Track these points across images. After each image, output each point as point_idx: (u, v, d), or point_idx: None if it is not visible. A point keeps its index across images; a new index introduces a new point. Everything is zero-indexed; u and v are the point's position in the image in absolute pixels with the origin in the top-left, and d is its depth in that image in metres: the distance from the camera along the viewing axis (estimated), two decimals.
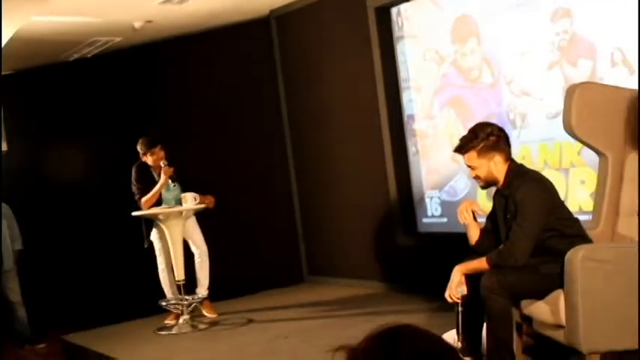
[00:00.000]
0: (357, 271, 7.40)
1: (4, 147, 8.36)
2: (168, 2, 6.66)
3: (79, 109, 8.11)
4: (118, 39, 7.71)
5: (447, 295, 3.94)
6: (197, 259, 6.66)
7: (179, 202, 6.44)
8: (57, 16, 6.51)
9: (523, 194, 3.80)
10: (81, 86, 8.07)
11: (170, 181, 6.44)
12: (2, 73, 8.21)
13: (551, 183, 3.94)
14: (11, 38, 5.81)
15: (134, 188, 6.57)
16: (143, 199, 6.47)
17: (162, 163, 6.44)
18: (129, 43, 7.86)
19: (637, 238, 3.94)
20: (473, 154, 3.93)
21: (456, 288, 3.88)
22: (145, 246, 6.66)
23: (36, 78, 8.29)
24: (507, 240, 3.83)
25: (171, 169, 6.43)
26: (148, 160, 6.55)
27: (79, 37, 7.48)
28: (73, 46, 7.78)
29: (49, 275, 7.84)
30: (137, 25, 7.25)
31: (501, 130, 3.95)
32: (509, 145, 3.95)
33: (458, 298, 3.89)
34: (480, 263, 3.88)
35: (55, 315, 7.54)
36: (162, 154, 6.53)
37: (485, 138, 3.90)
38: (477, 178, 4.00)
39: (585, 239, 3.84)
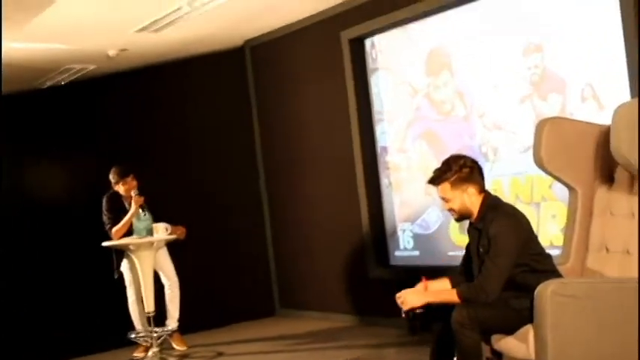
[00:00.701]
0: (330, 304, 7.35)
1: None
2: (143, 30, 6.64)
3: (52, 136, 8.02)
4: (91, 67, 7.67)
5: (401, 302, 3.88)
6: (167, 291, 6.60)
7: (150, 232, 6.39)
8: (30, 43, 6.47)
9: (497, 229, 3.77)
10: (54, 114, 7.99)
11: (141, 210, 6.40)
12: None
13: (525, 218, 3.92)
14: None
15: (105, 218, 6.53)
16: (114, 229, 6.42)
17: (132, 193, 6.40)
18: (103, 71, 7.82)
19: (607, 273, 3.94)
20: (446, 185, 3.90)
21: (409, 305, 3.85)
22: (115, 277, 6.58)
23: (8, 104, 8.21)
24: (480, 274, 3.81)
25: (142, 199, 6.39)
26: (120, 189, 6.51)
27: (53, 64, 7.43)
28: (46, 73, 7.72)
29: (16, 304, 7.69)
30: (111, 53, 7.22)
31: (474, 161, 3.93)
32: (482, 177, 3.93)
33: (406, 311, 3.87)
34: (451, 295, 3.84)
35: (24, 345, 7.40)
36: (134, 183, 6.49)
37: (459, 170, 3.87)
38: (450, 210, 3.97)
39: (556, 274, 3.82)
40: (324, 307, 7.41)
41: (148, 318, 6.35)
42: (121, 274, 6.60)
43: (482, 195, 3.89)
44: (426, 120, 6.39)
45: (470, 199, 3.87)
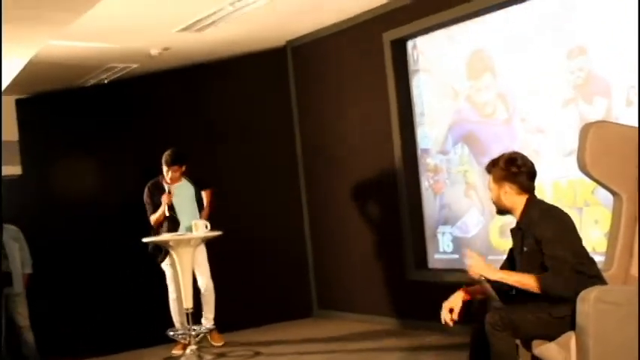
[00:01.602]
0: (368, 306, 7.33)
1: (19, 171, 8.39)
2: (186, 30, 6.69)
3: (95, 133, 8.12)
4: (134, 65, 7.75)
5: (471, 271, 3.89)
6: (203, 292, 6.65)
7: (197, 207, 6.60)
8: (75, 41, 6.55)
9: (543, 229, 3.75)
10: (97, 111, 8.09)
11: (167, 208, 6.48)
12: (20, 96, 8.27)
13: (570, 219, 3.90)
14: (29, 62, 5.84)
15: (146, 206, 6.65)
16: (152, 219, 6.56)
17: (167, 189, 6.49)
18: (145, 69, 7.89)
19: None
20: (490, 177, 3.98)
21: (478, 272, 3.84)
22: (159, 261, 6.63)
23: (53, 102, 8.33)
24: (548, 272, 3.72)
25: (170, 197, 6.48)
26: (167, 175, 6.58)
27: (97, 62, 7.52)
28: (90, 71, 7.82)
29: (58, 300, 7.80)
30: (154, 52, 7.29)
31: (527, 165, 3.93)
32: (529, 180, 3.92)
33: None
34: (528, 279, 3.75)
35: (63, 341, 7.49)
36: (177, 174, 6.56)
37: (504, 167, 3.91)
38: (492, 200, 4.02)
39: (601, 280, 3.77)
40: (362, 309, 7.39)
41: (187, 314, 6.38)
42: (162, 271, 6.66)
43: (523, 196, 3.88)
44: (467, 123, 6.34)
45: (506, 196, 3.92)
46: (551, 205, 3.97)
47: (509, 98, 5.96)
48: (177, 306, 6.61)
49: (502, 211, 4.00)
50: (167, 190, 6.54)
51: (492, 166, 3.96)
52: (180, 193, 6.62)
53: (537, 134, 5.76)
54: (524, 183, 3.90)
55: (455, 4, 6.11)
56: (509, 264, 4.02)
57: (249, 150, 7.94)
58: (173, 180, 6.58)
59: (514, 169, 3.90)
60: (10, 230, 7.37)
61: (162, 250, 6.61)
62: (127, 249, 7.17)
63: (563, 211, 3.93)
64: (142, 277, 7.05)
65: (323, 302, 7.96)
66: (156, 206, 6.59)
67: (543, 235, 3.73)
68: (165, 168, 6.58)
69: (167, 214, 6.53)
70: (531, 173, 3.93)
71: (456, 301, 3.96)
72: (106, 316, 7.69)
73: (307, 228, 8.03)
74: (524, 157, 3.96)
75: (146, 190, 6.70)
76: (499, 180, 3.92)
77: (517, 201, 3.91)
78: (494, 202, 3.99)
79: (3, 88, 6.55)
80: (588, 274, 3.72)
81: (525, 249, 3.83)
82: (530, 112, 5.79)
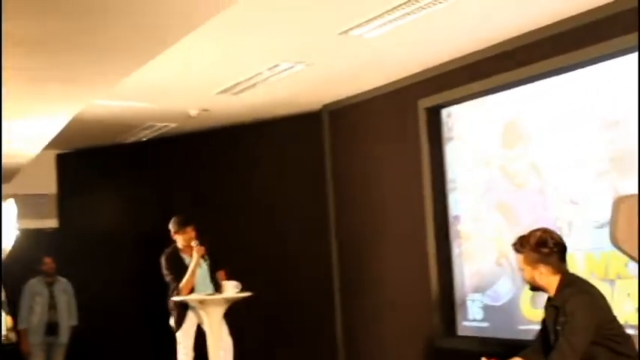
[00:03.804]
0: None
1: (56, 224, 8.53)
2: (224, 92, 6.84)
3: (132, 189, 8.25)
4: (173, 124, 7.91)
5: None
6: (221, 352, 6.53)
7: (211, 282, 6.52)
8: (117, 100, 6.72)
9: (572, 306, 3.73)
10: (134, 167, 8.24)
11: (202, 260, 6.52)
12: (61, 151, 8.45)
13: (602, 295, 3.87)
14: (72, 119, 6.01)
15: (167, 278, 6.64)
16: (181, 284, 6.51)
17: (193, 243, 6.53)
18: (183, 128, 8.04)
19: None
20: (521, 257, 3.95)
21: None
22: (177, 332, 6.63)
23: (92, 157, 8.49)
24: (554, 351, 3.74)
25: (203, 249, 6.51)
26: (179, 240, 6.64)
27: (137, 121, 7.69)
28: (130, 129, 8.00)
29: (91, 349, 7.82)
30: (193, 112, 7.44)
31: (558, 243, 3.91)
32: (562, 259, 3.90)
33: None
34: None
35: None
36: (193, 234, 6.63)
37: (535, 248, 3.88)
38: (524, 279, 4.01)
39: (635, 358, 3.74)
40: None
41: None
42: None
43: (557, 275, 3.87)
44: (500, 191, 6.37)
45: (540, 277, 3.89)
46: (584, 283, 3.94)
47: (543, 168, 5.99)
48: None
49: (534, 288, 3.99)
50: (194, 244, 6.54)
51: (522, 247, 3.92)
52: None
53: (571, 205, 5.76)
54: (557, 263, 3.89)
55: (490, 74, 6.19)
56: (542, 337, 4.01)
57: (281, 212, 7.99)
58: (188, 241, 6.59)
59: (546, 251, 3.88)
60: (62, 282, 7.55)
61: (185, 315, 6.60)
62: (159, 307, 7.21)
63: (591, 285, 3.91)
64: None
65: None
66: (178, 273, 6.56)
67: (568, 315, 3.72)
68: (178, 233, 6.61)
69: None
70: (563, 252, 3.92)
71: None
72: None
73: (337, 292, 7.97)
74: (553, 235, 3.94)
75: (164, 259, 6.67)
76: (532, 262, 3.89)
77: (552, 281, 3.88)
78: (528, 282, 3.96)
79: (46, 144, 6.71)
80: (620, 350, 3.69)
81: (558, 328, 3.81)
82: (564, 182, 5.81)
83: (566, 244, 3.96)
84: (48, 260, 7.56)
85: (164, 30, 4.02)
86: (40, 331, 7.42)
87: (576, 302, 3.73)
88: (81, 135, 7.79)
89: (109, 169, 8.35)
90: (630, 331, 4.13)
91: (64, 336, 7.42)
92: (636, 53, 5.19)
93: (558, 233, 3.98)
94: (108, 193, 8.23)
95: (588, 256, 5.58)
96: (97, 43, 4.06)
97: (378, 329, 7.50)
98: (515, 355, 4.04)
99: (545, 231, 3.98)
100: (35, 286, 7.61)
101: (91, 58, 4.29)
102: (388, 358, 7.38)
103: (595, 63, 5.48)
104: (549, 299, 3.94)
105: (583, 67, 5.58)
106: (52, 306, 7.46)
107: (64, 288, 7.55)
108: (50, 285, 7.55)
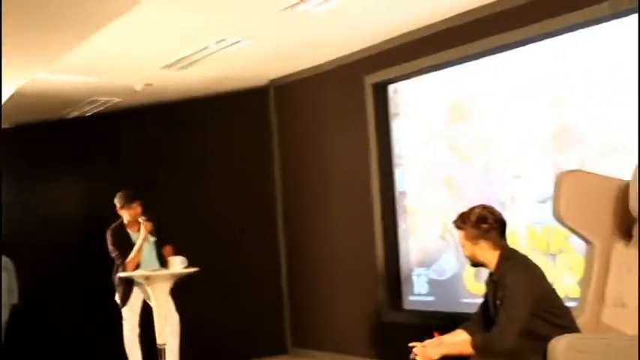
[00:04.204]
0: (343, 346, 7.35)
1: None
2: (170, 67, 6.77)
3: (75, 165, 8.13)
4: (118, 99, 7.81)
5: (418, 353, 3.94)
6: (167, 328, 6.45)
7: (157, 257, 6.48)
8: (60, 74, 6.60)
9: (510, 280, 3.80)
10: (76, 143, 8.11)
11: (150, 235, 6.47)
12: (4, 127, 8.29)
13: (540, 269, 3.94)
14: (14, 93, 5.89)
15: (113, 254, 6.58)
16: (127, 260, 6.46)
17: (140, 219, 6.47)
18: (128, 103, 7.95)
19: (622, 330, 3.94)
20: (462, 233, 4.00)
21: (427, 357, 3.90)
22: (122, 308, 6.59)
23: (35, 133, 8.34)
24: (494, 326, 3.83)
25: (150, 224, 6.46)
26: (125, 215, 6.58)
27: (80, 95, 7.57)
28: (73, 103, 7.87)
29: (38, 331, 7.71)
30: (138, 87, 7.35)
31: (498, 220, 3.96)
32: (502, 235, 3.96)
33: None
34: (465, 346, 3.86)
35: None
36: (139, 209, 6.56)
37: (475, 224, 3.93)
38: (465, 255, 4.06)
39: (574, 330, 3.82)
40: (337, 348, 7.40)
41: (160, 350, 6.32)
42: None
43: (497, 251, 3.93)
44: (446, 166, 6.44)
45: (481, 252, 3.94)
46: (523, 257, 4.01)
47: (488, 144, 6.06)
48: (135, 339, 6.56)
49: (475, 264, 4.06)
50: (142, 219, 6.48)
51: (463, 223, 3.97)
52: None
53: (514, 180, 5.85)
54: (496, 239, 3.96)
55: (438, 50, 6.23)
56: (483, 310, 4.08)
57: (228, 187, 7.98)
58: (134, 217, 6.54)
59: (486, 227, 3.92)
60: (1, 261, 7.42)
61: (131, 290, 6.57)
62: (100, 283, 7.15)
63: (532, 263, 3.98)
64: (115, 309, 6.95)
65: (297, 340, 7.96)
66: (123, 249, 6.50)
67: (506, 289, 3.80)
68: (124, 208, 6.56)
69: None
70: (502, 227, 3.98)
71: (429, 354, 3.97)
72: (70, 346, 7.60)
73: (284, 266, 8.05)
74: (493, 212, 3.98)
75: (109, 234, 6.59)
76: (472, 238, 3.94)
77: (491, 256, 3.93)
78: (469, 258, 4.01)
79: None
80: (559, 323, 3.78)
81: (498, 302, 3.88)
82: (508, 158, 5.90)
83: (509, 219, 4.02)
84: None
85: (108, 3, 3.96)
86: None
87: (514, 276, 3.80)
88: (23, 110, 7.64)
89: (53, 145, 8.20)
90: (571, 304, 4.22)
91: (3, 314, 7.30)
92: (580, 30, 5.29)
93: (499, 209, 4.03)
94: (52, 168, 8.10)
95: (531, 231, 5.69)
96: (39, 16, 3.98)
97: (325, 304, 7.55)
98: (457, 327, 4.12)
99: (484, 207, 4.03)
100: None
101: (33, 31, 4.21)
102: (335, 333, 7.45)
103: (540, 40, 5.56)
104: (490, 274, 4.01)
105: (529, 43, 5.66)
106: None
107: (4, 266, 7.42)
108: None
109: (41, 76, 6.16)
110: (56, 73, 6.42)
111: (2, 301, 7.23)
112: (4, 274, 7.32)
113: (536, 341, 3.75)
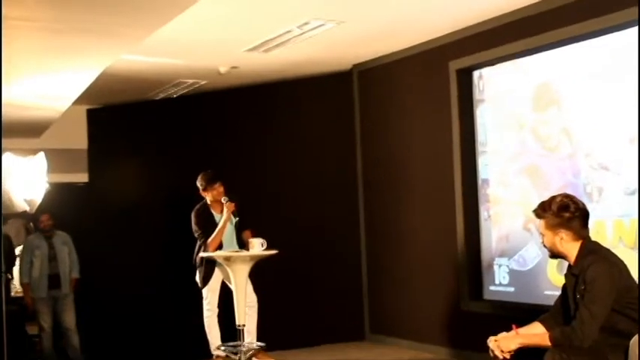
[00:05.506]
0: (420, 334, 7.29)
1: (86, 178, 8.59)
2: (254, 50, 6.80)
3: (162, 146, 8.25)
4: (203, 82, 7.89)
5: (493, 346, 3.87)
6: (247, 309, 6.48)
7: (237, 239, 6.55)
8: (147, 56, 6.70)
9: (593, 275, 3.70)
10: (164, 124, 8.24)
11: (232, 216, 6.52)
12: (92, 107, 8.49)
13: (624, 264, 3.82)
14: (101, 74, 6.00)
15: (196, 234, 6.67)
16: (209, 240, 6.54)
17: (223, 200, 6.54)
18: (213, 86, 8.03)
19: None
20: (542, 222, 3.92)
21: (505, 351, 3.83)
22: (202, 288, 6.68)
23: (122, 113, 8.52)
24: (574, 320, 3.72)
25: (233, 205, 6.51)
26: (207, 195, 6.66)
27: (167, 77, 7.68)
28: (160, 85, 7.99)
29: (105, 306, 7.88)
30: (223, 69, 7.42)
31: (580, 209, 3.85)
32: (584, 225, 3.85)
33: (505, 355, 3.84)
34: (542, 339, 3.78)
35: (108, 346, 7.62)
36: (221, 189, 6.63)
37: (557, 213, 3.83)
38: (543, 245, 3.96)
39: None
40: (415, 336, 7.35)
41: (239, 330, 6.38)
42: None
43: (578, 242, 3.82)
44: (530, 155, 6.29)
45: (562, 243, 3.85)
46: (605, 251, 3.88)
47: (574, 133, 5.89)
48: (215, 320, 6.64)
49: (554, 255, 3.95)
50: (224, 200, 6.54)
51: (543, 212, 3.88)
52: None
53: (601, 171, 5.67)
54: (578, 229, 3.83)
55: (523, 36, 6.08)
56: (561, 303, 3.97)
57: (310, 171, 7.99)
58: (217, 197, 6.60)
59: (568, 215, 3.82)
60: (61, 235, 7.66)
61: (212, 271, 6.64)
62: (177, 262, 7.26)
63: (612, 253, 3.85)
64: (190, 288, 7.03)
65: (376, 327, 7.94)
66: (207, 229, 6.59)
67: (588, 284, 3.68)
68: (206, 190, 6.63)
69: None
70: (585, 217, 3.86)
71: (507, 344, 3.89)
72: (152, 324, 7.74)
73: (363, 252, 8.03)
74: (575, 201, 3.88)
75: (194, 215, 6.69)
76: (553, 227, 3.84)
77: (572, 247, 3.84)
78: (549, 248, 3.92)
79: (75, 98, 6.72)
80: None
81: (577, 296, 3.77)
82: (595, 148, 5.72)
83: (595, 211, 3.90)
84: (44, 218, 7.62)
85: None
86: (43, 284, 7.51)
87: (596, 270, 3.69)
88: (111, 91, 7.80)
89: (139, 126, 8.34)
90: None
91: (65, 287, 7.53)
92: None
93: (585, 201, 3.91)
94: (137, 149, 8.25)
95: (617, 223, 5.51)
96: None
97: (404, 291, 7.51)
98: (535, 319, 4.03)
99: (566, 196, 3.93)
100: (34, 240, 7.70)
101: (118, 12, 4.26)
102: (413, 320, 7.40)
103: (628, 27, 5.36)
104: (569, 267, 3.90)
105: (616, 30, 5.47)
106: (52, 258, 7.56)
107: (63, 240, 7.65)
108: (49, 238, 7.63)
109: (128, 57, 6.26)
110: (143, 54, 6.52)
111: (64, 274, 7.49)
112: (64, 249, 7.58)
113: (616, 337, 3.64)
